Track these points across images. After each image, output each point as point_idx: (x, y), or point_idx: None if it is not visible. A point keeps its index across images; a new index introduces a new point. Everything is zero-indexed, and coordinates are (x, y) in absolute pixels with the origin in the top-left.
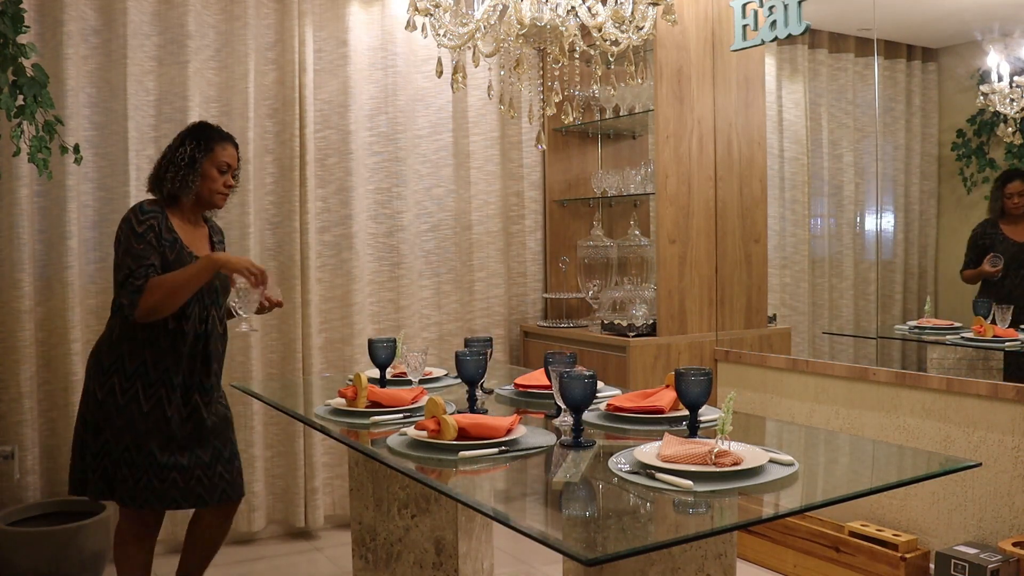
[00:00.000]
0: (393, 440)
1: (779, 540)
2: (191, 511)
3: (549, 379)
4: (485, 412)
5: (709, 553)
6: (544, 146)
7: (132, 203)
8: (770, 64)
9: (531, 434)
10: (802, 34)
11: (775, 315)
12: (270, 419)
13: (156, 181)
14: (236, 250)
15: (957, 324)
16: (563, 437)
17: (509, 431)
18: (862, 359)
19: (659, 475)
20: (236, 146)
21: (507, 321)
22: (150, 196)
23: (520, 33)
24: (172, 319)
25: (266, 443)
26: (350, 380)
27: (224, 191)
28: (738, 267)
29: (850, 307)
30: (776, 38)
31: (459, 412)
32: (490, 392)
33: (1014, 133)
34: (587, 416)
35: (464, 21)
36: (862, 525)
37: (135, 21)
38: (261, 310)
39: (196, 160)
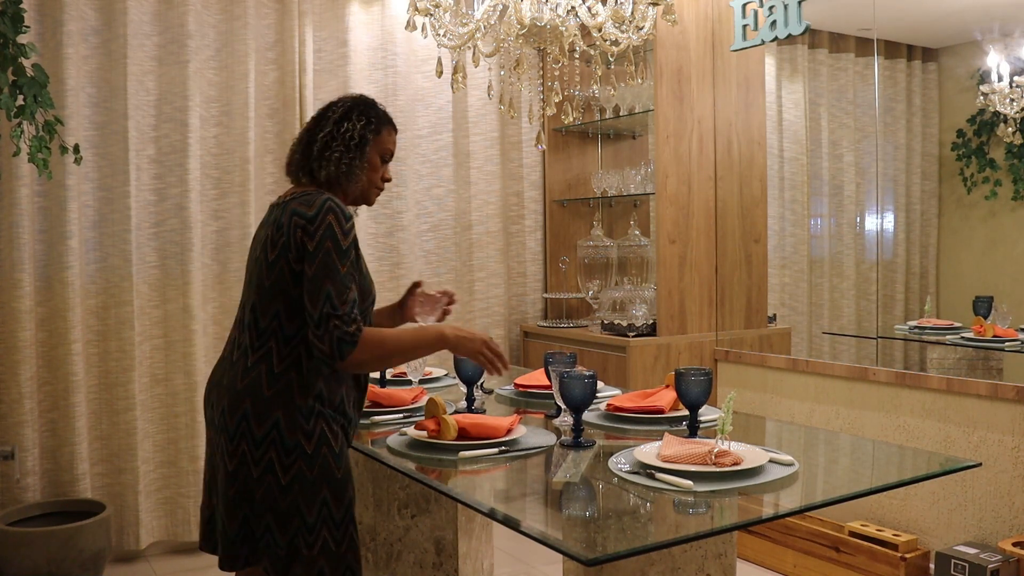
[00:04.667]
0: (393, 440)
1: (779, 540)
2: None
3: (549, 379)
4: (483, 412)
5: (709, 553)
6: (544, 146)
7: (132, 203)
8: (770, 64)
9: (531, 434)
10: (802, 34)
11: (775, 315)
12: None
13: (310, 162)
14: (236, 250)
15: (957, 324)
16: (563, 437)
17: (509, 431)
18: (862, 359)
19: (659, 475)
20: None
21: (507, 321)
22: (305, 188)
23: (520, 33)
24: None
25: None
26: None
27: (381, 186)
28: (738, 267)
29: (850, 307)
30: (776, 38)
31: (459, 412)
32: (490, 392)
33: (1014, 133)
34: (587, 416)
35: (464, 21)
36: (862, 525)
37: (135, 21)
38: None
39: (365, 140)
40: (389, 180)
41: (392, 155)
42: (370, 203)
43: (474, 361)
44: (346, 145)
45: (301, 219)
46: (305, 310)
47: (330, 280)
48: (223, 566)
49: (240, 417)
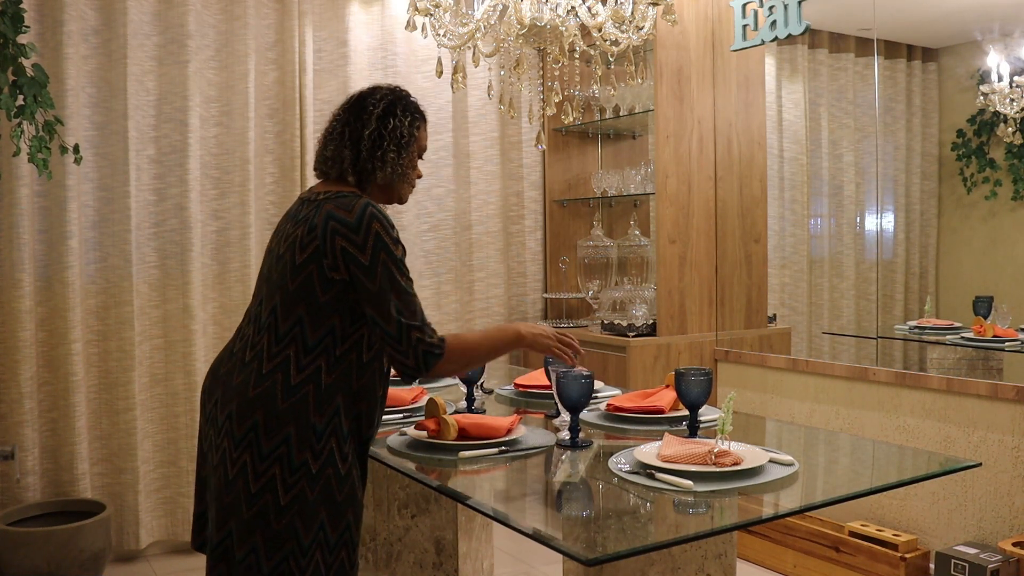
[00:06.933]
0: (393, 440)
1: (779, 540)
2: None
3: (549, 379)
4: (483, 412)
5: (709, 553)
6: (544, 146)
7: (132, 203)
8: (770, 64)
9: (531, 434)
10: (802, 34)
11: (775, 315)
12: None
13: (362, 162)
14: (236, 250)
15: (957, 324)
16: (560, 438)
17: (509, 431)
18: (862, 359)
19: (659, 475)
20: None
21: (507, 321)
22: (340, 188)
23: (520, 33)
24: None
25: None
26: None
27: (415, 183)
28: (738, 267)
29: (850, 307)
30: (776, 38)
31: (459, 412)
32: (490, 392)
33: (1014, 133)
34: (587, 416)
35: (464, 21)
36: (862, 525)
37: (135, 21)
38: None
39: (413, 138)
40: (421, 176)
41: (426, 149)
42: (404, 201)
43: (551, 356)
44: (397, 144)
45: (341, 225)
46: (373, 324)
47: (395, 293)
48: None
49: (249, 427)
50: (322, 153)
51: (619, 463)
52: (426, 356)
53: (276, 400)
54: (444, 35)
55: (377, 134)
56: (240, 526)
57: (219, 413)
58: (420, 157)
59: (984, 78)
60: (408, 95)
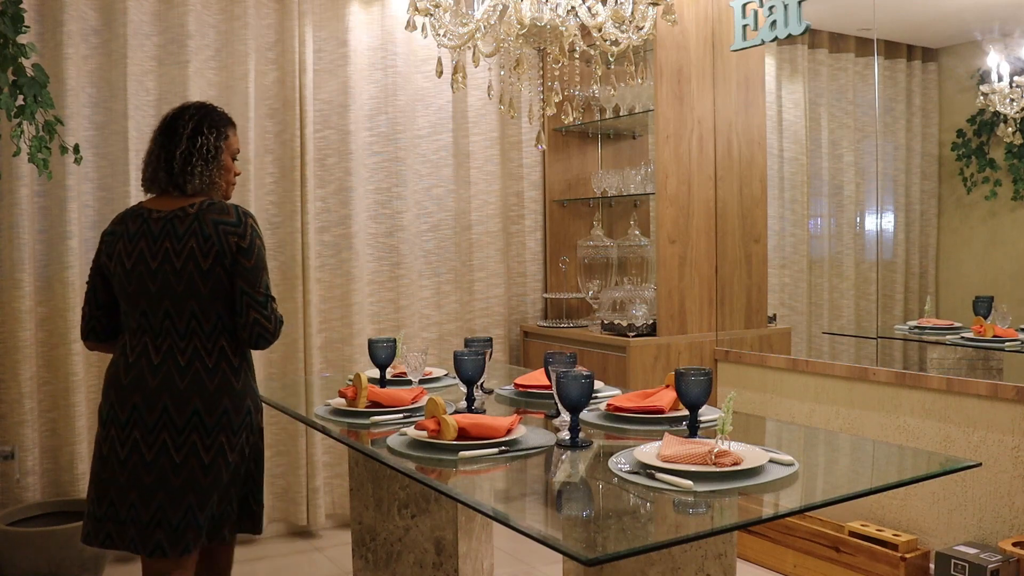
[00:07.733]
0: (393, 440)
1: (779, 540)
2: None
3: (549, 379)
4: (483, 412)
5: (709, 553)
6: (544, 146)
7: (132, 203)
8: (770, 64)
9: (531, 434)
10: (802, 34)
11: (775, 315)
12: (271, 419)
13: (175, 177)
14: None
15: (957, 324)
16: (560, 437)
17: (509, 431)
18: (862, 359)
19: (659, 475)
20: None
21: (507, 321)
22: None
23: (520, 33)
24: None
25: (267, 443)
26: (350, 380)
27: (235, 181)
28: (738, 267)
29: (850, 307)
30: (776, 38)
31: (459, 412)
32: (490, 392)
33: (1014, 133)
34: (587, 416)
35: (464, 21)
36: (862, 525)
37: (135, 21)
38: None
39: (220, 151)
40: (239, 174)
41: (239, 151)
42: (228, 198)
43: None
44: (204, 160)
45: (229, 226)
46: (242, 295)
47: (264, 271)
48: (174, 552)
49: (220, 413)
50: (143, 172)
51: (619, 463)
52: (280, 324)
53: (232, 384)
54: (444, 35)
55: (187, 152)
56: (199, 494)
57: (176, 417)
58: (235, 159)
59: (984, 78)
60: (215, 109)
